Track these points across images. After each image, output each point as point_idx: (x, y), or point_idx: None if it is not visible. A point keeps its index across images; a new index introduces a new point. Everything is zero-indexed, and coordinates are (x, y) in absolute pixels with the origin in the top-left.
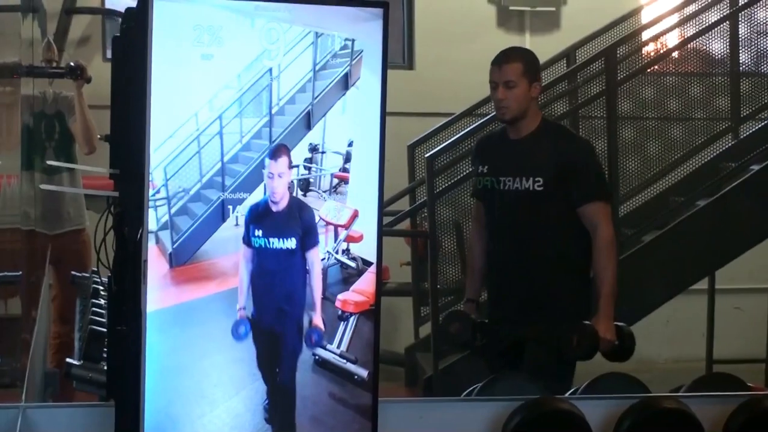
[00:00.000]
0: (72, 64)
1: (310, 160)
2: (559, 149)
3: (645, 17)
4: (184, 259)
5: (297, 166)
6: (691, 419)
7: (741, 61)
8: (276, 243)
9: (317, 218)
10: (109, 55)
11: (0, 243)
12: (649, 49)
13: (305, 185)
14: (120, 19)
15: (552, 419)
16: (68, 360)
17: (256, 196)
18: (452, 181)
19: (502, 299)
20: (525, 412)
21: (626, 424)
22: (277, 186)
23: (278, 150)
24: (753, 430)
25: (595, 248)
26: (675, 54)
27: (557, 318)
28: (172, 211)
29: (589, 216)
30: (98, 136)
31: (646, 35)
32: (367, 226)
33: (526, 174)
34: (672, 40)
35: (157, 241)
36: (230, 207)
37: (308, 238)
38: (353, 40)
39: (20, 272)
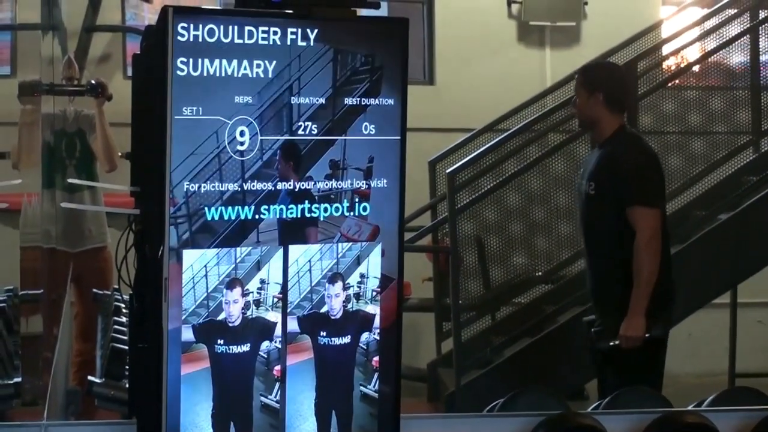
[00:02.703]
0: (93, 81)
1: (330, 177)
2: (614, 156)
3: (665, 31)
4: None
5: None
6: None
7: (762, 75)
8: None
9: (338, 235)
10: (129, 72)
11: (22, 261)
12: (670, 63)
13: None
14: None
15: None
16: (90, 378)
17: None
18: (474, 196)
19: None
20: (547, 428)
21: None
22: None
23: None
24: None
25: (633, 250)
26: (696, 68)
27: (609, 311)
28: (193, 228)
29: (631, 219)
30: (119, 154)
31: (666, 49)
32: (389, 242)
33: (587, 178)
34: (693, 54)
35: (179, 258)
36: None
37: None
38: (373, 57)
39: (41, 290)
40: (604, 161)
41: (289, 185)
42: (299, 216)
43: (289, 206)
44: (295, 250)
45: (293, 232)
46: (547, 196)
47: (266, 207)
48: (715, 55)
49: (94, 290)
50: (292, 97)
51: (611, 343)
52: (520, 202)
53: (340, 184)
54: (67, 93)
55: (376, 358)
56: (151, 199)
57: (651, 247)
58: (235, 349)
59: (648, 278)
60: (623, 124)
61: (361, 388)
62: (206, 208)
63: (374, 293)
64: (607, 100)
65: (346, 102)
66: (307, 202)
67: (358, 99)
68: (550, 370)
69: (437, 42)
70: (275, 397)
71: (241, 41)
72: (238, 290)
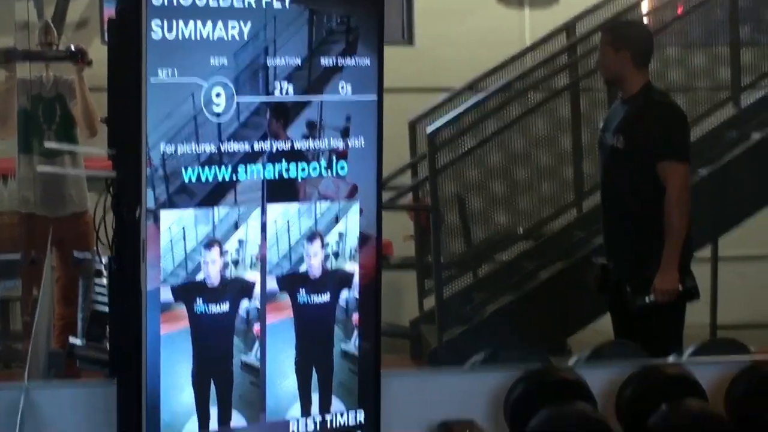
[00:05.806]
0: (73, 47)
1: (308, 137)
2: (644, 111)
3: None
4: None
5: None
6: (693, 384)
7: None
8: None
9: (316, 195)
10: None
11: (0, 227)
12: (650, 20)
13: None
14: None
15: (554, 387)
16: (71, 340)
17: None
18: (454, 156)
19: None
20: (528, 381)
21: (628, 390)
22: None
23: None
24: (755, 394)
25: (665, 204)
26: (675, 25)
27: (634, 266)
28: (171, 189)
29: (661, 174)
30: (99, 119)
31: (646, 7)
32: (366, 200)
33: (614, 131)
34: (672, 10)
35: (156, 219)
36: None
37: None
38: (349, 17)
39: (20, 256)
40: (634, 115)
41: (283, 145)
42: (294, 174)
43: (287, 166)
44: (273, 209)
45: (282, 190)
46: (528, 154)
47: (244, 167)
48: (695, 12)
49: (75, 253)
50: (268, 59)
51: (646, 299)
52: (500, 160)
53: (317, 144)
54: (47, 59)
55: (356, 315)
56: (128, 162)
57: (682, 202)
58: (215, 308)
59: (679, 232)
60: (649, 80)
61: (342, 345)
62: (183, 170)
63: (353, 251)
64: (634, 57)
65: (322, 62)
66: (301, 161)
67: (334, 59)
68: (532, 325)
69: (416, 1)
70: (255, 355)
71: (216, 3)
72: (216, 250)
